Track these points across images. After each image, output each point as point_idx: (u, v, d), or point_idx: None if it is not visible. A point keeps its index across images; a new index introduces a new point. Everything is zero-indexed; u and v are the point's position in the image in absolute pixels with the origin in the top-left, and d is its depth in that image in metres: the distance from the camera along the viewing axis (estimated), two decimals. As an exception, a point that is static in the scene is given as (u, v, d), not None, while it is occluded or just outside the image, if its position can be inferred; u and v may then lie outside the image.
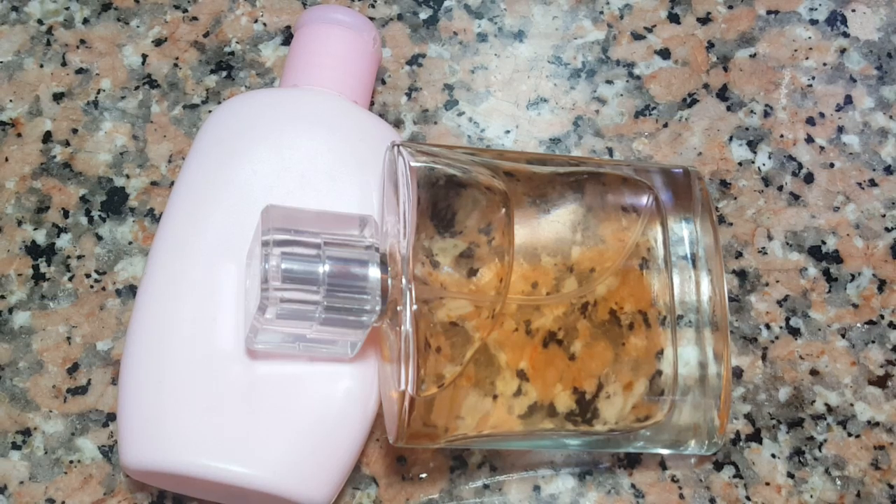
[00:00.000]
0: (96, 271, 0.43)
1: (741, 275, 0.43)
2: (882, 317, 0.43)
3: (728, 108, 0.46)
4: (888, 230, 0.44)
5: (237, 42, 0.47)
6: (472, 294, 0.35)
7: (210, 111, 0.45)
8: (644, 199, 0.38)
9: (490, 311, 0.35)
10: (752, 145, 0.45)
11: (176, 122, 0.45)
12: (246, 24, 0.47)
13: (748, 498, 0.40)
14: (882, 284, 0.43)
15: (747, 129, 0.45)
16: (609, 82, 0.46)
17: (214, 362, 0.36)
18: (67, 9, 0.47)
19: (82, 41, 0.47)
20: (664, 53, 0.47)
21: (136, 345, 0.37)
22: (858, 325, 0.43)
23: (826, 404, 0.41)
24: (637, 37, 0.47)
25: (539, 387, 0.36)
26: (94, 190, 0.44)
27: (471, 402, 0.35)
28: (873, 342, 0.42)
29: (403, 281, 0.34)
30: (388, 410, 0.36)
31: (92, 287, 0.42)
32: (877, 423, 0.41)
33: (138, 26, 0.47)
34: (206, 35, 0.47)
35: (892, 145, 0.45)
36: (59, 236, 0.43)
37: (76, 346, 0.42)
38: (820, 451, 0.41)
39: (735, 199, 0.44)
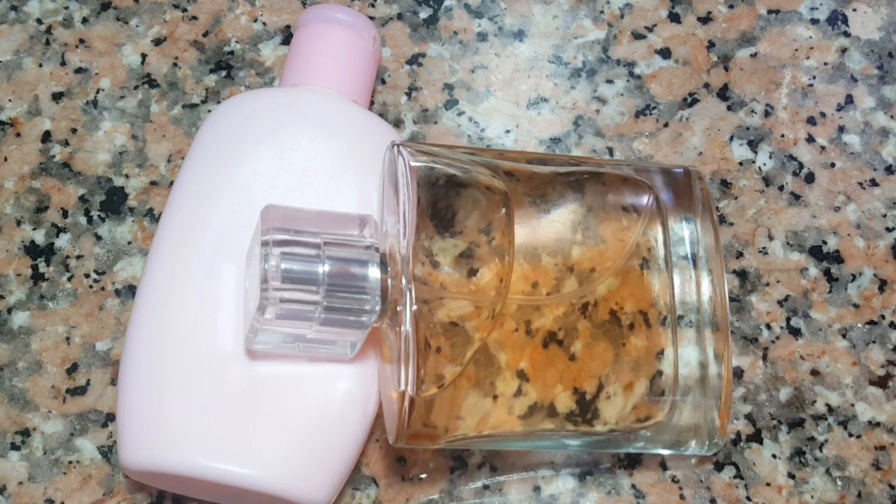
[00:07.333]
0: (95, 271, 0.43)
1: (742, 275, 0.43)
2: (883, 317, 0.43)
3: (729, 108, 0.46)
4: (889, 230, 0.44)
5: (237, 41, 0.47)
6: (472, 294, 0.35)
7: (210, 111, 0.45)
8: (644, 199, 0.38)
9: (490, 312, 0.35)
10: (753, 145, 0.45)
11: (175, 122, 0.45)
12: (245, 23, 0.47)
13: (749, 498, 0.40)
14: (883, 284, 0.43)
15: (748, 128, 0.45)
16: (609, 82, 0.46)
17: (214, 362, 0.36)
18: (66, 8, 0.47)
19: (81, 41, 0.46)
20: (665, 53, 0.47)
21: (136, 345, 0.37)
22: (859, 325, 0.42)
23: (827, 405, 0.41)
24: (637, 36, 0.47)
25: (539, 387, 0.36)
26: (93, 190, 0.44)
27: (471, 403, 0.35)
28: (874, 342, 0.42)
29: (403, 281, 0.34)
30: (388, 411, 0.36)
31: (91, 287, 0.42)
32: (878, 424, 0.41)
33: (137, 26, 0.47)
34: (205, 34, 0.47)
35: (893, 145, 0.45)
36: (58, 236, 0.43)
37: (75, 347, 0.42)
38: (821, 451, 0.41)
39: (736, 198, 0.44)
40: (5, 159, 0.44)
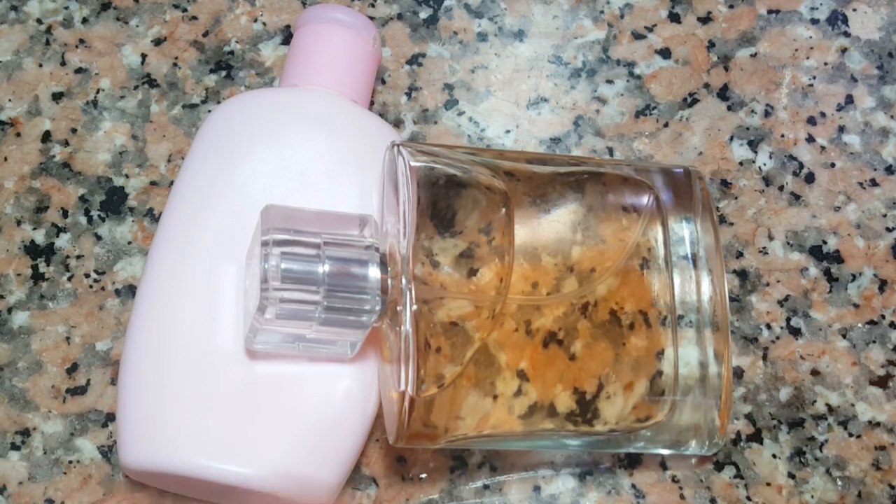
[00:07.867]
0: (95, 271, 0.43)
1: (742, 275, 0.43)
2: (883, 317, 0.43)
3: (729, 108, 0.46)
4: (889, 230, 0.44)
5: (237, 41, 0.46)
6: (472, 294, 0.35)
7: (210, 111, 0.45)
8: (645, 199, 0.38)
9: (490, 311, 0.35)
10: (753, 145, 0.45)
11: (175, 122, 0.45)
12: (245, 23, 0.47)
13: (749, 498, 0.40)
14: (883, 284, 0.43)
15: (748, 128, 0.45)
16: (609, 82, 0.46)
17: (214, 362, 0.36)
18: (66, 8, 0.47)
19: (81, 41, 0.46)
20: (665, 53, 0.47)
21: (136, 345, 0.37)
22: (859, 325, 0.42)
23: (827, 404, 0.41)
24: (637, 36, 0.47)
25: (539, 387, 0.36)
26: (93, 190, 0.44)
27: (471, 403, 0.35)
28: (874, 342, 0.42)
29: (403, 281, 0.34)
30: (388, 410, 0.36)
31: (91, 287, 0.42)
32: (878, 424, 0.41)
33: (137, 26, 0.47)
34: (205, 34, 0.47)
35: (893, 145, 0.45)
36: (58, 236, 0.43)
37: (75, 346, 0.42)
38: (821, 451, 0.41)
39: (736, 198, 0.44)
40: (5, 159, 0.44)
